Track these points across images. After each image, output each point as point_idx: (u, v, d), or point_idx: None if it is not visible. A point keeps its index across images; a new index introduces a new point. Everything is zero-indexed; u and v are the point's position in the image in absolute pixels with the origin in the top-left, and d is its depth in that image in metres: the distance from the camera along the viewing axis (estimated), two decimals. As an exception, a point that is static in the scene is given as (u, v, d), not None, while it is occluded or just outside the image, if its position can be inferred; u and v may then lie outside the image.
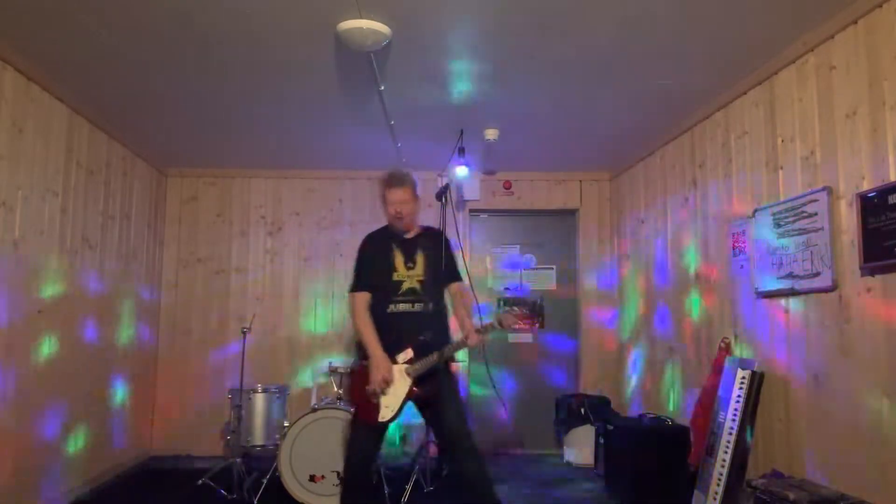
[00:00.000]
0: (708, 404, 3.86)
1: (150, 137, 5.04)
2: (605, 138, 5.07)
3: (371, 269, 3.35)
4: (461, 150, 4.96)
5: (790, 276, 3.33)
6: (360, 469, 3.30)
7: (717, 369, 3.88)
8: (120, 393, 5.00)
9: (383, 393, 3.17)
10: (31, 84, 3.72)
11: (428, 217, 5.54)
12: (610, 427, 4.56)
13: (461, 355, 5.72)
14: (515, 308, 3.25)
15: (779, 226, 3.44)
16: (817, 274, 3.13)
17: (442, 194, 3.12)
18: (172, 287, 5.89)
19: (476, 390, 5.92)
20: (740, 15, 3.06)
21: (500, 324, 3.20)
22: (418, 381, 3.21)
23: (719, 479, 3.49)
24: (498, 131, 4.82)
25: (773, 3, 2.96)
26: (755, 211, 3.67)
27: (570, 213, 6.19)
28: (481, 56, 3.58)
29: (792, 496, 2.86)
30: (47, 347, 3.95)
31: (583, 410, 5.28)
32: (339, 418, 4.07)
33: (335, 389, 4.59)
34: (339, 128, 4.79)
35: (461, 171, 5.17)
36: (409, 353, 3.23)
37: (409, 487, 4.30)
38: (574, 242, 6.16)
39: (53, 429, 4.04)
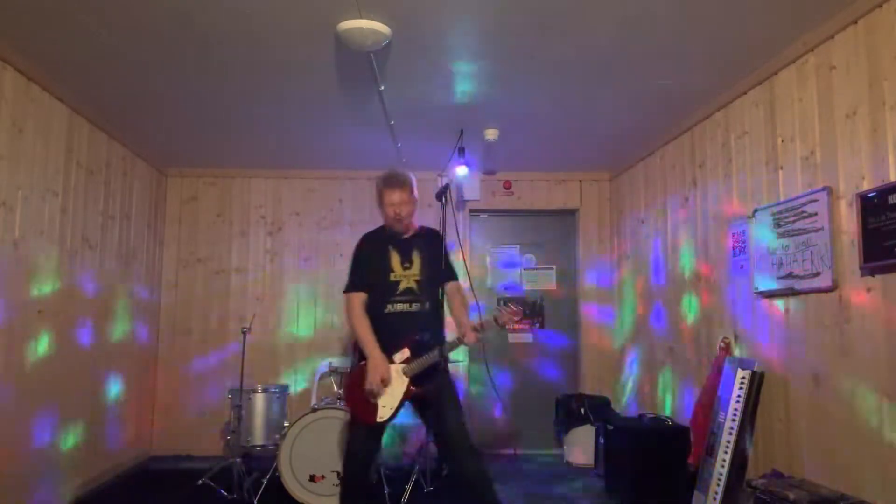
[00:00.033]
0: (708, 404, 3.86)
1: (150, 137, 5.04)
2: (605, 138, 5.07)
3: (368, 270, 3.35)
4: (461, 150, 4.96)
5: (790, 276, 3.33)
6: (360, 469, 3.30)
7: (717, 369, 3.88)
8: (120, 393, 5.00)
9: (381, 393, 3.18)
10: (31, 84, 3.72)
11: (428, 217, 5.56)
12: (610, 427, 4.56)
13: (460, 355, 5.74)
14: (511, 305, 3.24)
15: (779, 226, 3.44)
16: (817, 274, 3.13)
17: (442, 194, 3.12)
18: (172, 287, 5.89)
19: (474, 389, 5.92)
20: (740, 15, 3.06)
21: (497, 321, 3.20)
22: (416, 380, 3.21)
23: (719, 479, 3.49)
24: (498, 131, 4.82)
25: (773, 3, 2.96)
26: (755, 211, 3.67)
27: (570, 213, 6.19)
28: (481, 56, 3.58)
29: (792, 496, 2.86)
30: (47, 347, 3.94)
31: (583, 410, 5.28)
32: (339, 418, 4.07)
33: (335, 389, 4.59)
34: (339, 128, 4.79)
35: (461, 171, 5.17)
36: (405, 353, 3.23)
37: (409, 487, 4.31)
38: (574, 242, 6.16)
39: (53, 429, 4.04)
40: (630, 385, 5.63)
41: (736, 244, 3.90)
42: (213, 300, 5.88)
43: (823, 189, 3.10)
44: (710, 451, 3.64)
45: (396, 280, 3.31)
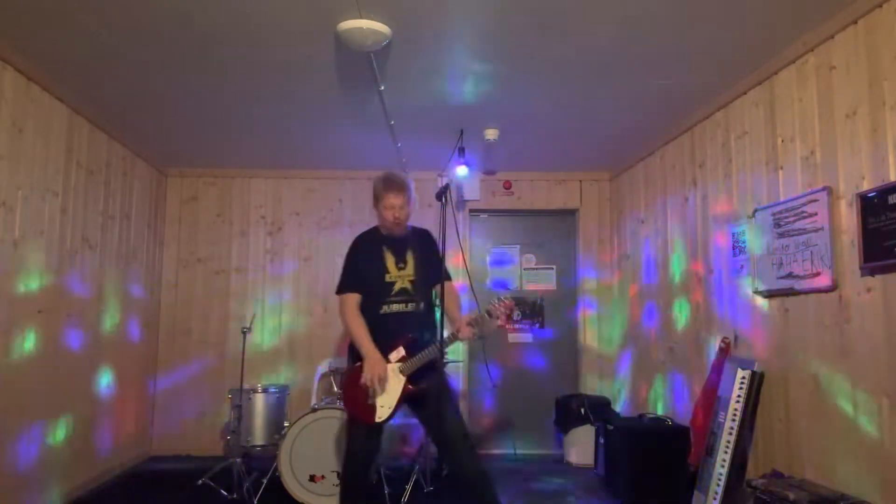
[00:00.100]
0: (708, 404, 3.86)
1: (150, 137, 5.04)
2: (605, 138, 5.07)
3: (363, 271, 3.35)
4: (461, 150, 4.97)
5: (790, 276, 3.33)
6: (360, 469, 3.30)
7: (717, 369, 3.88)
8: (119, 393, 5.00)
9: (379, 391, 3.18)
10: (31, 84, 3.72)
11: (428, 217, 5.59)
12: (610, 427, 4.56)
13: (459, 356, 5.74)
14: (505, 299, 3.24)
15: (779, 226, 3.44)
16: (817, 274, 3.13)
17: (442, 194, 3.12)
18: (172, 287, 5.89)
19: (473, 388, 5.93)
20: (740, 15, 3.06)
21: (490, 314, 3.20)
22: (412, 378, 3.21)
23: (719, 479, 3.49)
24: (498, 131, 4.82)
25: (773, 3, 2.96)
26: (755, 211, 3.67)
27: (570, 213, 6.19)
28: (481, 56, 3.58)
29: (792, 496, 2.86)
30: (47, 347, 3.94)
31: (583, 410, 5.28)
32: (339, 418, 4.08)
33: (335, 389, 4.59)
34: (339, 128, 4.79)
35: (461, 171, 5.17)
36: (400, 352, 3.24)
37: (409, 487, 4.31)
38: (574, 242, 6.16)
39: (52, 429, 4.04)
40: (629, 385, 5.63)
41: (736, 244, 3.90)
42: (213, 300, 5.88)
43: (823, 189, 3.10)
44: (710, 451, 3.63)
45: (391, 281, 3.33)
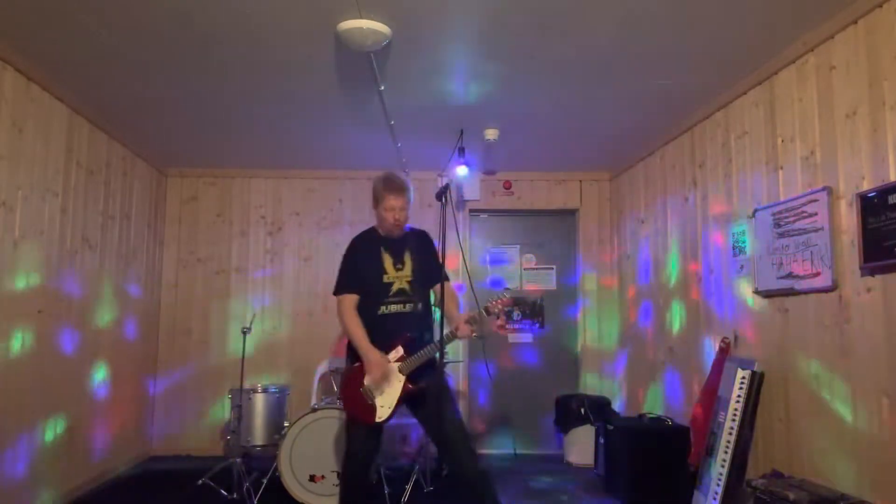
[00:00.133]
0: (708, 404, 3.86)
1: (150, 137, 5.04)
2: (605, 138, 5.07)
3: (361, 272, 3.35)
4: (461, 150, 4.97)
5: (790, 276, 3.33)
6: (360, 469, 3.30)
7: (717, 369, 3.88)
8: (119, 393, 5.00)
9: (380, 392, 3.19)
10: (31, 84, 3.72)
11: (428, 217, 5.59)
12: (610, 427, 4.56)
13: (458, 354, 5.74)
14: (503, 296, 3.25)
15: (779, 226, 3.44)
16: (817, 274, 3.13)
17: (442, 194, 3.12)
18: (172, 287, 5.89)
19: (472, 388, 5.93)
20: (740, 15, 3.06)
21: (488, 311, 3.21)
22: (412, 378, 3.22)
23: (719, 479, 3.49)
24: (498, 131, 4.82)
25: (773, 3, 2.96)
26: (755, 211, 3.67)
27: (570, 213, 6.19)
28: (481, 56, 3.58)
29: (792, 496, 2.86)
30: (46, 347, 3.95)
31: (583, 410, 5.28)
32: (339, 418, 4.07)
33: (335, 389, 4.59)
34: (339, 128, 4.79)
35: (461, 171, 5.17)
36: (399, 352, 3.24)
37: (409, 487, 4.31)
38: (574, 242, 6.16)
39: (52, 429, 4.04)
40: (629, 385, 5.63)
41: (736, 244, 3.90)
42: (213, 300, 5.88)
43: (823, 189, 3.10)
44: (710, 451, 3.64)
45: (389, 281, 3.33)
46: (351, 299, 3.33)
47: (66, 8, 3.03)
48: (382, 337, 3.25)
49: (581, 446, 5.26)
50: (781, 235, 3.41)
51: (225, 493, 4.31)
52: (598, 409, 5.28)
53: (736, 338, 3.88)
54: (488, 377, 5.81)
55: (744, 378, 3.53)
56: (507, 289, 3.42)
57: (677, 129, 4.65)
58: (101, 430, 4.71)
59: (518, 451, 5.78)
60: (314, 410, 4.21)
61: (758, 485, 3.09)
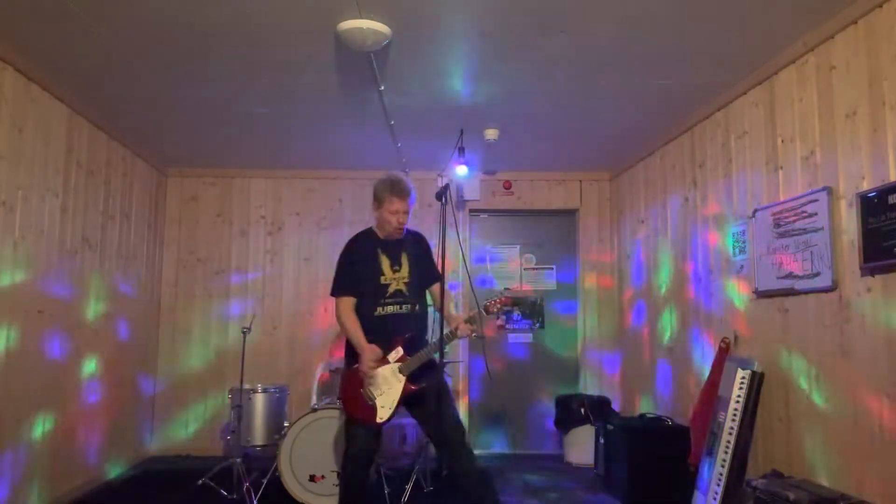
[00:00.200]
0: (708, 404, 3.86)
1: (150, 137, 5.04)
2: (605, 138, 5.07)
3: (358, 273, 3.36)
4: (461, 150, 4.96)
5: (790, 276, 3.33)
6: (360, 470, 3.31)
7: (717, 369, 3.88)
8: (119, 393, 4.99)
9: (379, 393, 3.19)
10: (31, 84, 3.72)
11: (428, 217, 5.59)
12: (610, 427, 4.56)
13: (458, 354, 5.74)
14: (502, 295, 3.27)
15: (779, 226, 3.44)
16: (817, 274, 3.13)
17: (442, 194, 3.12)
18: (172, 287, 5.89)
19: (472, 387, 5.93)
20: (740, 15, 3.06)
21: (487, 310, 3.23)
22: (412, 378, 3.22)
23: (719, 479, 3.49)
24: (498, 131, 4.82)
25: (773, 3, 2.96)
26: (755, 211, 3.67)
27: (570, 213, 6.19)
28: (481, 56, 3.58)
29: (792, 496, 2.86)
30: (47, 347, 3.94)
31: (583, 410, 5.28)
32: (339, 418, 4.07)
33: (335, 389, 4.58)
34: (339, 128, 4.79)
35: (461, 171, 5.17)
36: (399, 352, 3.25)
37: (409, 487, 4.31)
38: (574, 242, 6.16)
39: (52, 429, 4.03)
40: (629, 385, 5.62)
41: (736, 244, 3.90)
42: (213, 300, 5.88)
43: (823, 189, 3.10)
44: (710, 451, 3.64)
45: (386, 283, 3.35)
46: (349, 301, 3.35)
47: (66, 8, 3.03)
48: (380, 338, 3.27)
49: (581, 446, 5.26)
50: (781, 235, 3.41)
51: (225, 493, 4.31)
52: (599, 409, 5.28)
53: (736, 338, 3.88)
54: (488, 377, 5.82)
55: (744, 378, 3.53)
56: (507, 288, 3.43)
57: (677, 129, 4.65)
58: (101, 430, 4.71)
59: (517, 451, 5.77)
60: (314, 410, 4.21)
61: (758, 485, 3.09)
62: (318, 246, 5.97)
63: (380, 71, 3.67)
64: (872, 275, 2.80)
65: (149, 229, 5.56)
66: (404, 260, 3.40)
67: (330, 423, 4.13)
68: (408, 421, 4.93)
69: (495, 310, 3.28)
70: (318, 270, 5.92)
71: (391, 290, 3.35)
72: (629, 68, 3.70)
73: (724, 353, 3.91)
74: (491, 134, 4.83)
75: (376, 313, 3.32)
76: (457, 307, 5.57)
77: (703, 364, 4.23)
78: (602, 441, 4.74)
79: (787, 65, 3.42)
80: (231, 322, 5.79)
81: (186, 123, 4.73)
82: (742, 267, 3.83)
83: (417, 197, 3.46)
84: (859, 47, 2.92)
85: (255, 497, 4.17)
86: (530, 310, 6.06)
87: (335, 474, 4.02)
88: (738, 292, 3.88)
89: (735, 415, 3.51)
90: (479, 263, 6.12)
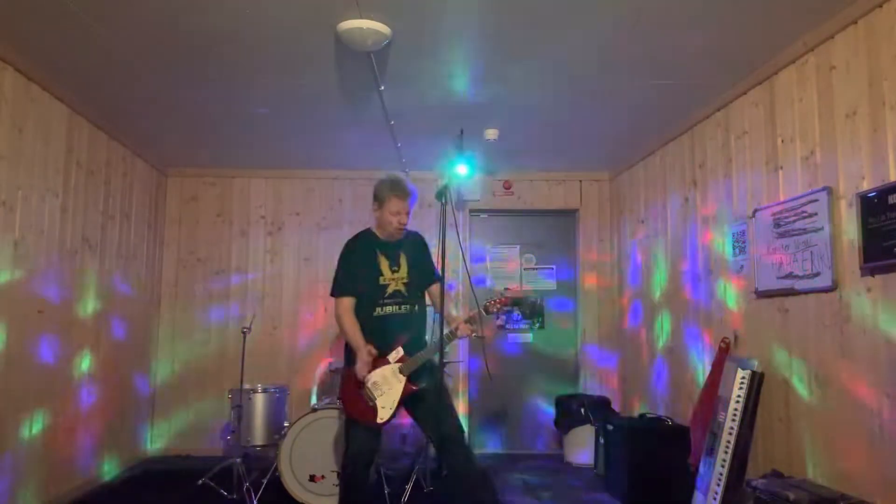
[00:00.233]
0: (708, 404, 3.86)
1: (150, 137, 5.04)
2: (605, 138, 5.07)
3: (357, 274, 3.37)
4: (461, 150, 4.96)
5: (790, 276, 3.33)
6: (360, 470, 3.31)
7: (717, 369, 3.88)
8: (119, 393, 4.99)
9: (379, 394, 3.20)
10: (31, 84, 3.72)
11: (428, 217, 5.59)
12: (610, 427, 4.56)
13: (458, 355, 5.74)
14: (502, 294, 3.28)
15: (779, 226, 3.44)
16: (817, 274, 3.13)
17: (442, 194, 3.12)
18: (172, 287, 5.89)
19: (472, 387, 5.93)
20: (740, 15, 3.06)
21: (487, 310, 3.23)
22: (412, 378, 3.23)
23: (719, 479, 3.49)
24: (498, 131, 4.82)
25: (773, 3, 2.96)
26: (755, 211, 3.67)
27: (570, 213, 6.19)
28: (481, 56, 3.58)
29: (792, 496, 2.86)
30: (46, 347, 3.94)
31: (583, 410, 5.28)
32: (339, 418, 4.07)
33: (335, 390, 4.58)
34: (339, 128, 4.79)
35: (461, 171, 5.16)
36: (399, 352, 3.25)
37: (409, 487, 4.30)
38: (574, 242, 6.16)
39: (51, 429, 4.03)
40: (629, 385, 5.62)
41: (736, 244, 3.90)
42: (213, 300, 5.88)
43: (823, 189, 3.10)
44: (710, 451, 3.63)
45: (385, 283, 3.36)
46: (349, 301, 3.35)
47: (66, 8, 3.03)
48: (379, 338, 3.27)
49: (581, 446, 5.26)
50: (781, 235, 3.41)
51: (225, 493, 4.31)
52: (598, 409, 5.28)
53: (736, 338, 3.88)
54: (487, 377, 5.82)
55: (744, 378, 3.53)
56: (507, 288, 3.44)
57: (677, 129, 4.65)
58: (101, 431, 4.71)
59: (517, 451, 5.77)
60: (314, 410, 4.21)
61: (758, 485, 3.09)
62: (317, 246, 5.97)
63: (380, 71, 3.67)
64: (872, 275, 2.80)
65: (149, 229, 5.55)
66: (403, 260, 3.41)
67: (330, 423, 4.13)
68: (407, 421, 4.93)
69: (495, 310, 3.29)
70: (317, 270, 5.92)
71: (390, 290, 3.35)
72: (629, 68, 3.70)
73: (723, 353, 3.91)
74: (491, 134, 4.83)
75: (375, 314, 3.33)
76: (456, 307, 5.58)
77: (703, 364, 4.23)
78: (602, 441, 4.74)
79: (787, 65, 3.42)
80: (231, 322, 5.79)
81: (186, 123, 4.73)
82: (742, 267, 3.83)
83: (418, 197, 3.46)
84: (859, 47, 2.92)
85: (255, 497, 4.18)
86: (530, 310, 6.06)
87: (335, 474, 4.02)
88: (737, 292, 3.88)
89: (735, 415, 3.51)
90: (478, 263, 6.12)
